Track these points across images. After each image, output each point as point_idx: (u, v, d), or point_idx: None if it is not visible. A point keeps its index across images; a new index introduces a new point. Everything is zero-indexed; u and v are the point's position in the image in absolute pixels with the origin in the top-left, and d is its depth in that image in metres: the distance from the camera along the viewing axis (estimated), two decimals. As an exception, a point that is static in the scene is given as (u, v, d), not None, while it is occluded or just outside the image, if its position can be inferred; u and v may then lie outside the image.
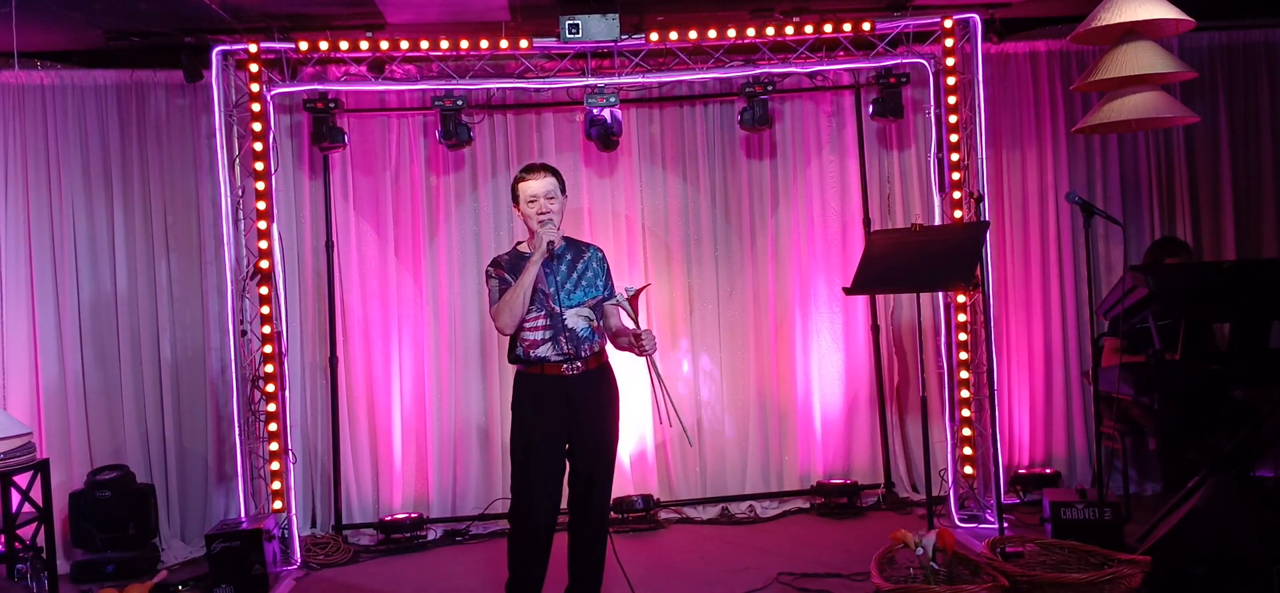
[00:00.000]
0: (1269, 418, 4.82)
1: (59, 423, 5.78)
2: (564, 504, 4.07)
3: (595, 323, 4.02)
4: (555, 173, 4.06)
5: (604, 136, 5.74)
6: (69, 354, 5.79)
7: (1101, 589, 3.85)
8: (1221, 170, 6.34)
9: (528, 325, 3.94)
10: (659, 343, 6.09)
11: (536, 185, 3.97)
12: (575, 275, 4.02)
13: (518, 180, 4.04)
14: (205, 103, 5.81)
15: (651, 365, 4.03)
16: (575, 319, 3.96)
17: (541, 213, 3.94)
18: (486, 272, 4.10)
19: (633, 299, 4.01)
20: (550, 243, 3.90)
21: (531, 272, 3.88)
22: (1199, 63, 6.13)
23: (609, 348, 4.16)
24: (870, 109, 5.88)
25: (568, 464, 4.05)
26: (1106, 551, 4.10)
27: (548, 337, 3.93)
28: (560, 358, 3.93)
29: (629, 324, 4.01)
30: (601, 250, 4.18)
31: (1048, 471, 6.10)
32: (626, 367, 6.07)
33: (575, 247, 4.12)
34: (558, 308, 3.94)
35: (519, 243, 4.17)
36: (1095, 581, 3.86)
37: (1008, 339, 6.26)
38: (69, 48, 5.76)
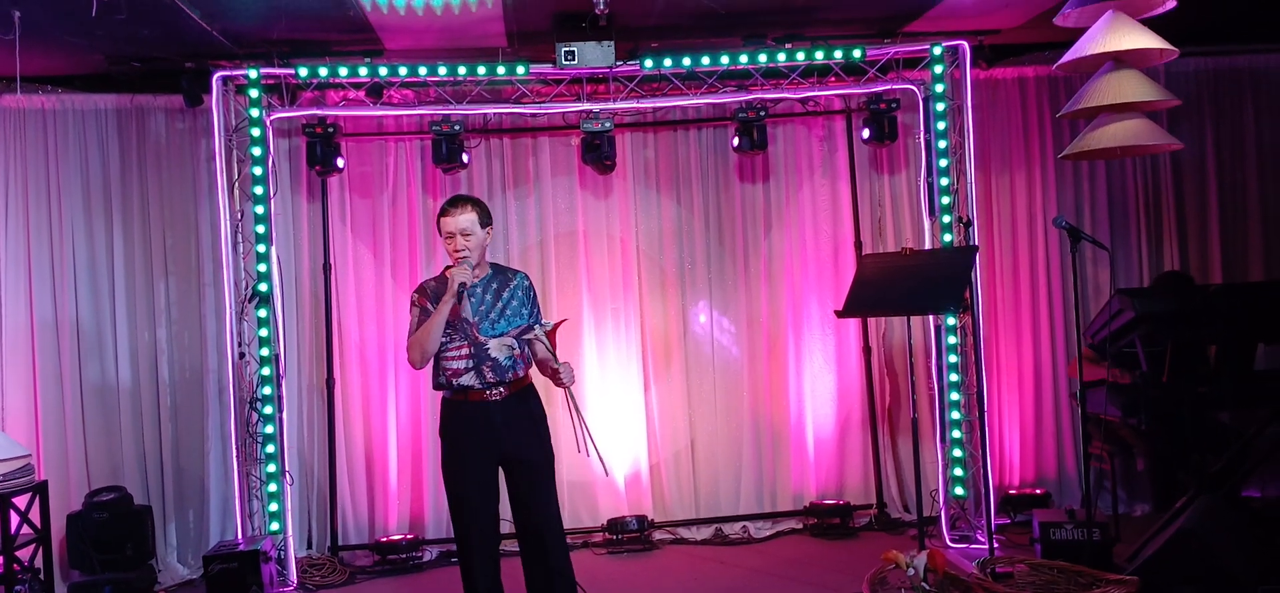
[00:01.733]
0: (1255, 439, 4.90)
1: (57, 444, 5.81)
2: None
3: (518, 351, 4.02)
4: (477, 205, 4.02)
5: (595, 154, 5.80)
6: (67, 376, 5.83)
7: (1089, 609, 3.92)
8: (1208, 194, 6.44)
9: (451, 353, 3.94)
10: (652, 364, 6.20)
11: (452, 222, 3.94)
12: (500, 305, 4.02)
13: (441, 213, 4.02)
14: (204, 127, 5.88)
15: (568, 397, 4.06)
16: (498, 349, 3.96)
17: (456, 251, 3.94)
18: (412, 297, 4.08)
19: (551, 334, 4.05)
20: (461, 284, 3.90)
21: (443, 312, 3.88)
22: (1185, 88, 6.24)
23: (534, 372, 4.15)
24: (865, 134, 5.96)
25: (505, 487, 4.06)
26: (1095, 570, 4.16)
27: (470, 365, 3.93)
28: (483, 386, 3.94)
29: (547, 357, 4.03)
30: (528, 278, 4.17)
31: (1038, 491, 6.17)
32: (615, 385, 6.17)
33: (501, 274, 4.11)
34: (481, 338, 3.95)
35: (447, 267, 4.07)
36: (1083, 601, 3.92)
37: (998, 361, 6.34)
38: (70, 72, 5.82)
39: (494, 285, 4.04)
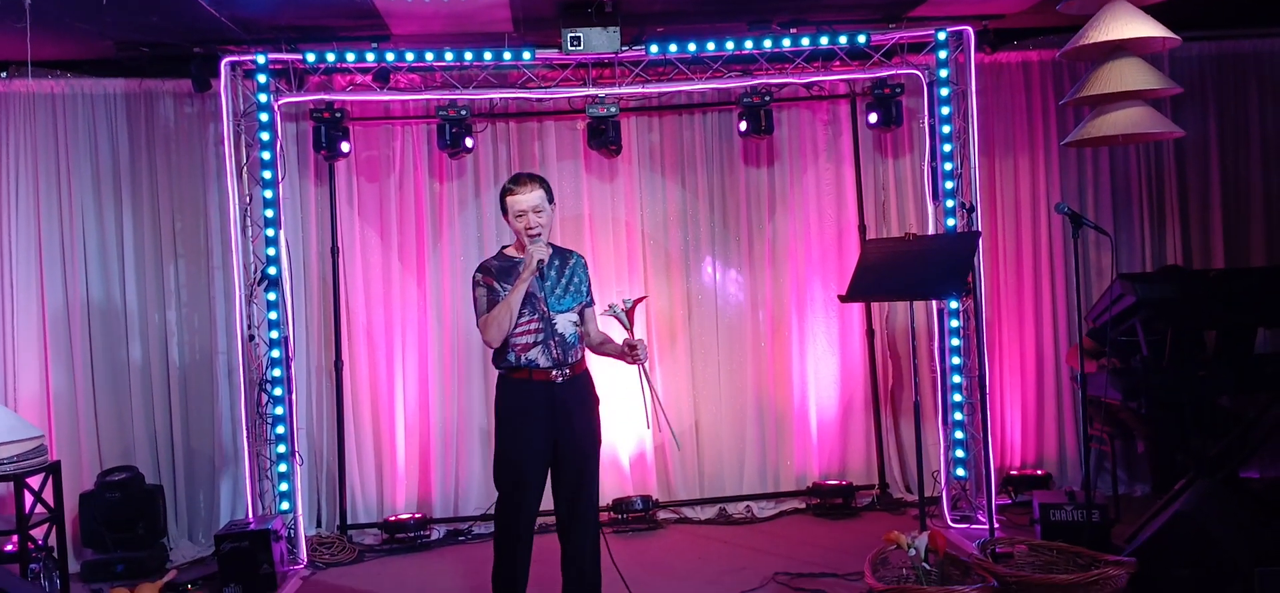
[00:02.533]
0: (1254, 423, 4.95)
1: (69, 425, 5.88)
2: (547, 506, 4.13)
3: (579, 328, 4.11)
4: (543, 183, 4.04)
5: (600, 138, 5.84)
6: (79, 358, 5.90)
7: (1088, 590, 3.97)
8: (1211, 180, 6.46)
9: (520, 329, 3.97)
10: (658, 347, 6.26)
11: (525, 199, 3.96)
12: (564, 281, 4.09)
13: (505, 192, 4.03)
14: (213, 112, 5.92)
15: (643, 374, 4.12)
16: (564, 325, 4.03)
17: (530, 228, 3.95)
18: (474, 277, 4.09)
19: (629, 311, 4.10)
20: (540, 260, 3.93)
21: (521, 290, 3.90)
22: (1188, 73, 6.26)
23: (589, 356, 4.22)
24: (872, 118, 5.97)
25: (551, 470, 4.10)
26: (1093, 552, 4.21)
27: (539, 341, 3.98)
28: (549, 363, 3.98)
29: (624, 334, 4.09)
30: (583, 257, 4.24)
31: (1039, 472, 6.23)
32: (617, 371, 6.22)
33: (561, 253, 4.17)
34: (551, 313, 4.02)
35: (505, 247, 4.18)
36: (1082, 582, 3.97)
37: (1000, 344, 6.39)
38: (80, 57, 5.86)
39: (556, 262, 4.10)
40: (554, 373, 3.99)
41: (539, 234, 3.96)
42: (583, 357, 4.14)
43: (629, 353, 4.06)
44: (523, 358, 3.99)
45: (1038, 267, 6.39)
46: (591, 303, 4.19)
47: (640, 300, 4.21)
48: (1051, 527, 5.07)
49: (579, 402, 4.07)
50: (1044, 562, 4.33)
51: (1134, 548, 4.25)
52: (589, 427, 4.10)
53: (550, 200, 4.06)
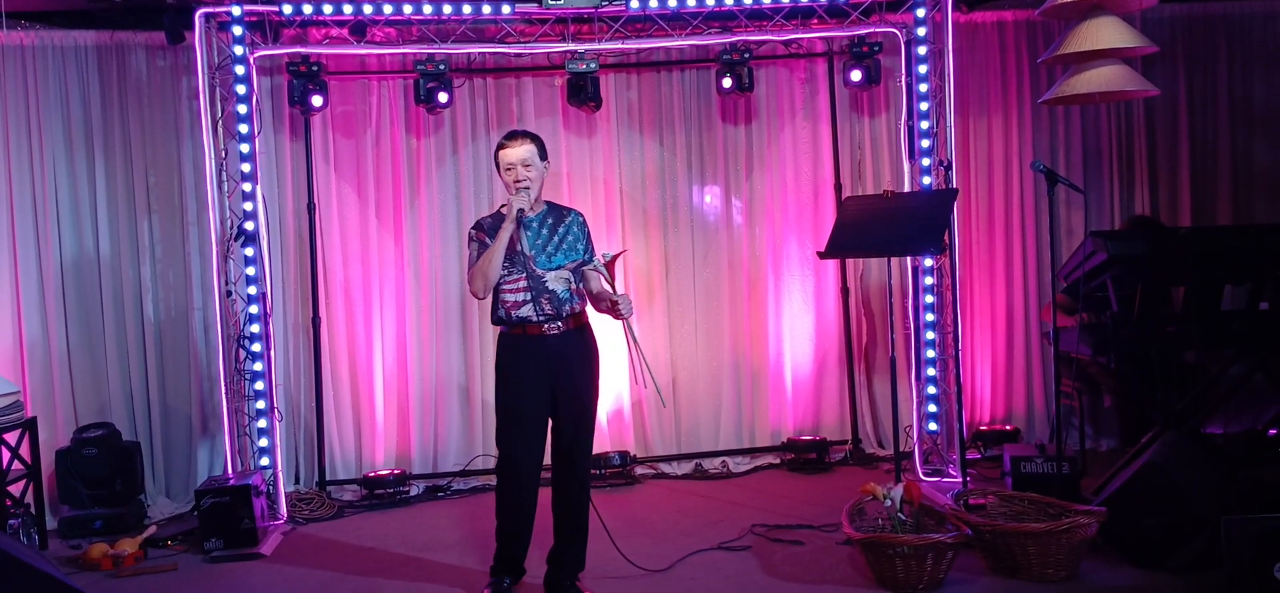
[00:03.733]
0: (1219, 378, 5.08)
1: (43, 382, 5.84)
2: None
3: (575, 285, 4.15)
4: (535, 139, 4.13)
5: (580, 95, 5.83)
6: (52, 314, 5.84)
7: (1059, 538, 4.09)
8: (1179, 140, 6.57)
9: (508, 287, 4.06)
10: (635, 305, 6.28)
11: (513, 153, 4.05)
12: (556, 239, 4.13)
13: (498, 148, 4.11)
14: (186, 64, 5.86)
15: (627, 328, 4.17)
16: (555, 282, 4.08)
17: (517, 180, 4.03)
18: (469, 233, 4.20)
19: (609, 264, 4.13)
20: (520, 210, 4.00)
21: (502, 238, 3.99)
22: (1160, 35, 6.32)
23: (589, 310, 4.28)
24: (855, 76, 5.98)
25: (550, 422, 4.19)
26: (1064, 502, 4.34)
27: (528, 298, 4.05)
28: (541, 319, 4.05)
29: (606, 288, 4.14)
30: (582, 215, 4.28)
31: (1008, 427, 6.36)
32: (603, 327, 6.25)
33: (557, 211, 4.22)
34: (538, 271, 4.06)
35: (501, 206, 4.24)
36: (1053, 530, 4.10)
37: (972, 301, 6.49)
38: (50, 8, 5.76)
39: (550, 221, 4.13)
40: (546, 327, 4.05)
41: (526, 187, 4.02)
42: (582, 311, 4.17)
43: (612, 308, 4.09)
44: (514, 314, 4.06)
45: (1010, 225, 6.49)
46: (588, 261, 4.20)
47: (620, 254, 4.26)
48: (1022, 479, 5.18)
49: (577, 354, 4.13)
50: (1016, 512, 4.45)
51: (1103, 498, 4.37)
52: (587, 379, 4.17)
53: (542, 157, 4.11)
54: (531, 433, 4.13)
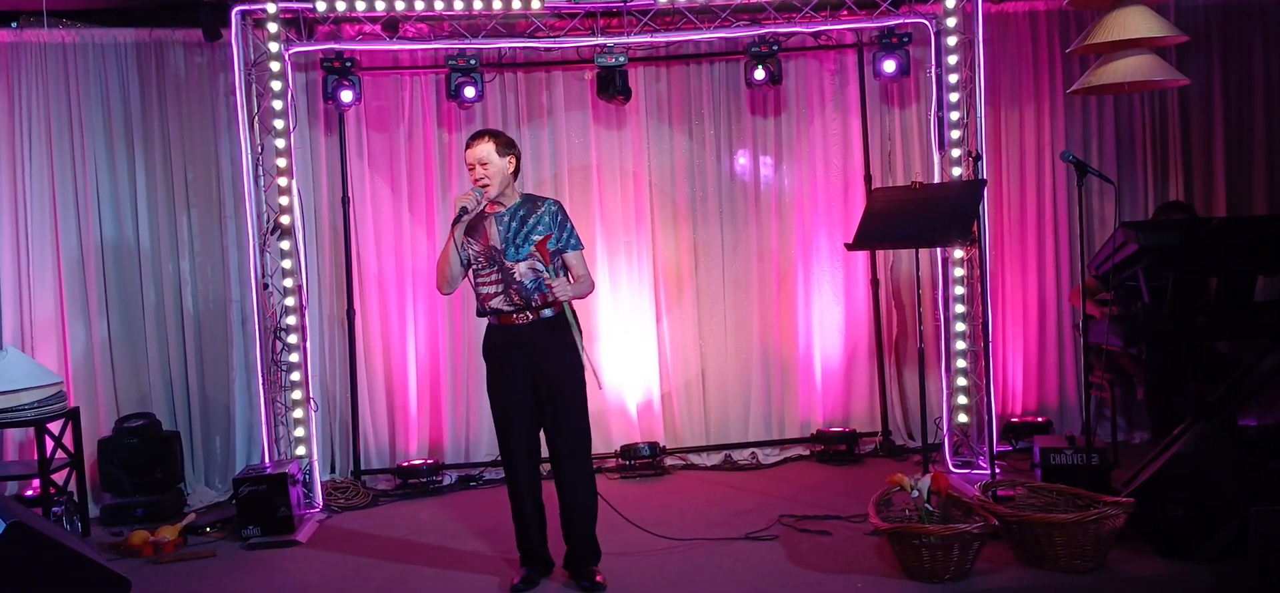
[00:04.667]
0: (1252, 369, 5.04)
1: (86, 373, 5.99)
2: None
3: (546, 277, 4.19)
4: (495, 135, 4.22)
5: (609, 88, 5.88)
6: (94, 307, 5.99)
7: (1086, 529, 4.09)
8: (1214, 129, 6.50)
9: (483, 279, 4.21)
10: (665, 296, 6.34)
11: (470, 154, 4.18)
12: (525, 231, 4.20)
13: (465, 148, 4.25)
14: (222, 61, 5.96)
15: (566, 308, 4.23)
16: (522, 272, 4.16)
17: (476, 180, 4.16)
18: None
19: (540, 246, 4.19)
20: (462, 208, 4.11)
21: (453, 237, 4.16)
22: (1194, 23, 6.27)
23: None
24: (889, 67, 5.96)
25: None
26: (1092, 494, 4.33)
27: (499, 290, 4.18)
28: (511, 308, 4.18)
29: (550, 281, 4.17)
30: (558, 203, 4.33)
31: (1039, 419, 6.33)
32: (627, 316, 6.31)
33: (530, 202, 4.28)
34: (508, 263, 4.16)
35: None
36: (1080, 521, 4.10)
37: (1003, 293, 6.47)
38: (90, 6, 5.89)
39: (520, 213, 4.21)
40: (517, 317, 4.18)
41: (485, 183, 4.15)
42: (555, 298, 4.21)
43: (550, 292, 4.15)
44: (487, 306, 4.23)
45: (1041, 215, 6.46)
46: (567, 248, 4.26)
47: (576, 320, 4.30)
48: (1051, 470, 5.15)
49: (546, 341, 4.21)
50: (1044, 503, 4.45)
51: (1132, 489, 4.36)
52: (559, 361, 4.22)
53: (501, 154, 4.19)
54: (518, 421, 4.26)
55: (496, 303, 4.19)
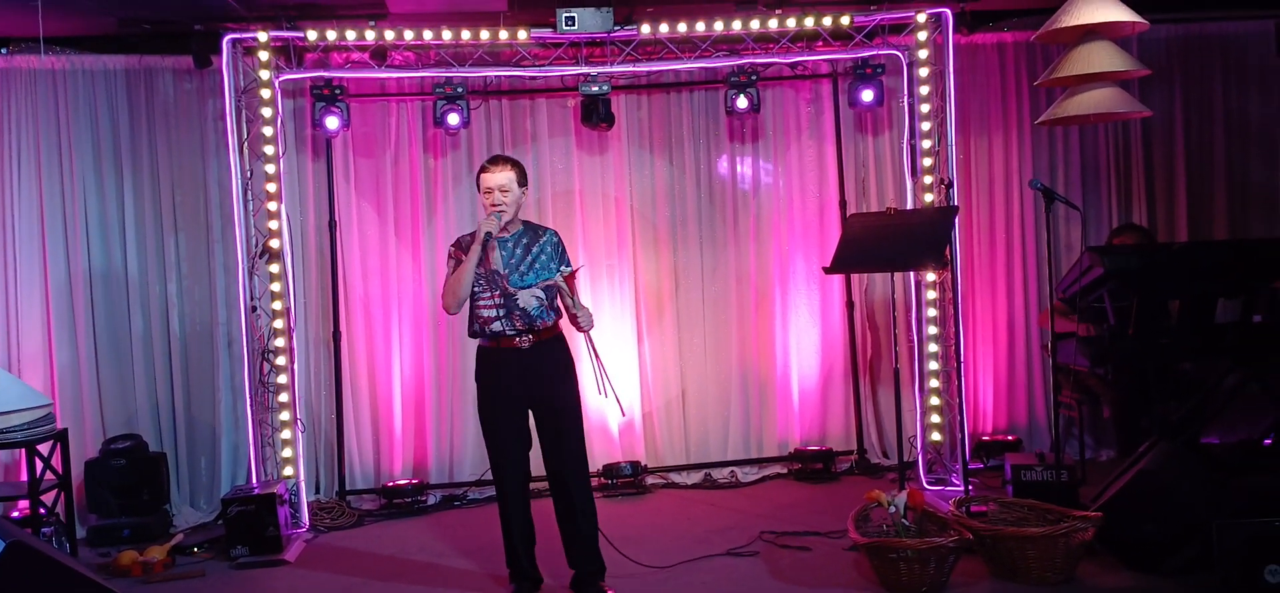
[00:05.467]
0: (1214, 390, 5.23)
1: (72, 394, 6.03)
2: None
3: (547, 302, 4.32)
4: (516, 165, 4.32)
5: (593, 116, 6.02)
6: (82, 330, 6.04)
7: (1057, 542, 4.25)
8: (1175, 157, 6.73)
9: (483, 303, 4.27)
10: (646, 319, 6.47)
11: (493, 178, 4.25)
12: (529, 258, 4.31)
13: (481, 170, 4.32)
14: (211, 88, 6.06)
15: (588, 342, 4.35)
16: (527, 299, 4.26)
17: (493, 204, 4.24)
18: (449, 251, 4.41)
19: (568, 279, 4.34)
20: (488, 233, 4.20)
21: (471, 259, 4.21)
22: (1156, 55, 6.50)
23: (565, 323, 4.45)
24: (867, 96, 6.15)
25: (535, 431, 4.38)
26: (1062, 508, 4.49)
27: (501, 314, 4.25)
28: (513, 332, 4.25)
29: (567, 303, 4.33)
30: (557, 234, 4.45)
31: (1009, 438, 6.51)
32: (610, 338, 6.43)
33: (532, 231, 4.39)
34: (511, 289, 4.25)
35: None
36: (1051, 534, 4.25)
37: (974, 315, 6.65)
38: (82, 33, 5.97)
39: (524, 240, 4.31)
40: (518, 340, 4.26)
41: (500, 210, 4.22)
42: (555, 324, 4.35)
43: (574, 321, 4.29)
44: (487, 330, 4.27)
45: (1010, 241, 6.66)
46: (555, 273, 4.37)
47: (577, 270, 4.46)
48: (1023, 486, 5.30)
49: (550, 364, 4.31)
50: (1016, 517, 4.61)
51: (1100, 504, 4.52)
52: (562, 387, 4.33)
53: (521, 183, 4.30)
54: (510, 442, 4.33)
55: (496, 326, 4.25)
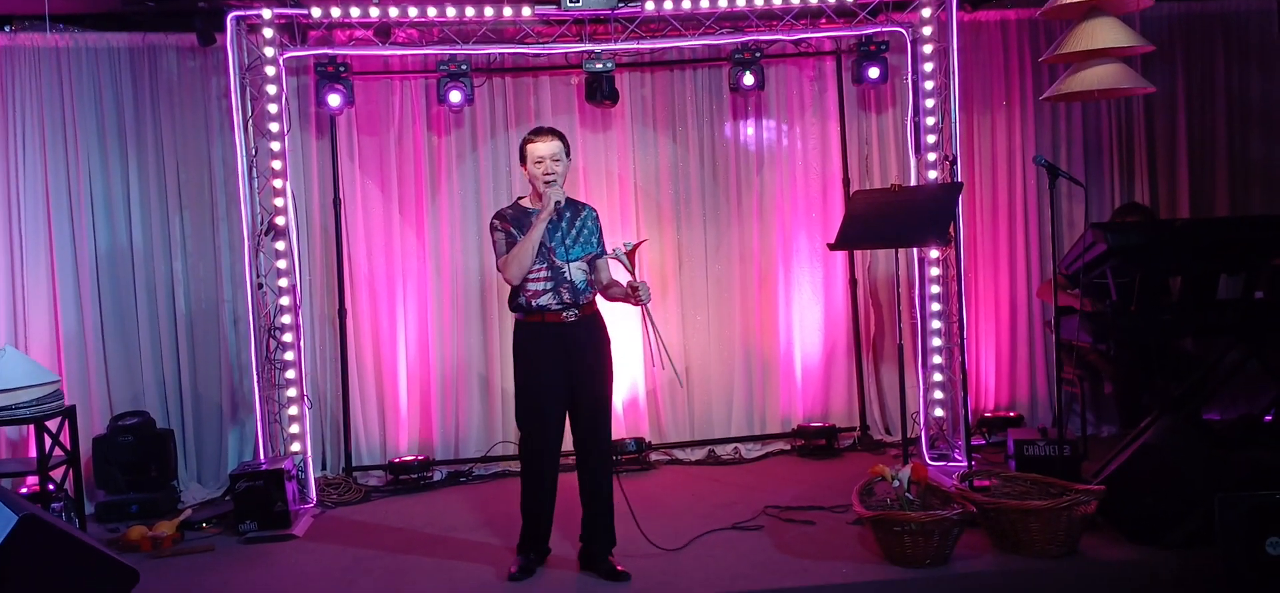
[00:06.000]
0: (1215, 366, 5.26)
1: (79, 372, 6.06)
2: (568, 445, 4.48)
3: (590, 276, 4.38)
4: (561, 137, 4.37)
5: (597, 93, 6.04)
6: (88, 307, 6.06)
7: (1059, 516, 4.29)
8: (1178, 135, 6.75)
9: (531, 277, 4.29)
10: (653, 297, 6.48)
11: (544, 147, 4.29)
12: (574, 232, 4.37)
13: (526, 141, 4.35)
14: (215, 66, 6.06)
15: (646, 314, 4.39)
16: (574, 272, 4.31)
17: (547, 174, 4.26)
18: (491, 224, 4.42)
19: (630, 253, 4.37)
20: (557, 201, 4.24)
21: (540, 228, 4.22)
22: (1158, 34, 6.51)
23: (599, 299, 4.51)
24: (873, 73, 6.17)
25: (569, 407, 4.41)
26: (1065, 482, 4.53)
27: (549, 287, 4.29)
28: (559, 306, 4.29)
29: (627, 276, 4.36)
30: (595, 210, 4.52)
31: (1012, 414, 6.54)
32: (616, 315, 6.45)
33: (574, 205, 4.45)
34: (558, 262, 4.29)
35: (520, 198, 4.49)
36: (1054, 507, 4.30)
37: (976, 292, 6.68)
38: (85, 11, 5.97)
39: (567, 214, 4.36)
40: (565, 314, 4.29)
41: (553, 180, 4.24)
42: (593, 299, 4.41)
43: (632, 294, 4.31)
44: (534, 303, 4.28)
45: (1013, 218, 6.68)
46: (602, 253, 4.48)
47: (640, 243, 4.51)
48: (1025, 461, 5.37)
49: (591, 340, 4.36)
50: (1018, 491, 4.65)
51: (1102, 478, 4.56)
52: (601, 364, 4.40)
53: (568, 154, 4.35)
54: (550, 416, 4.36)
55: (544, 300, 4.28)
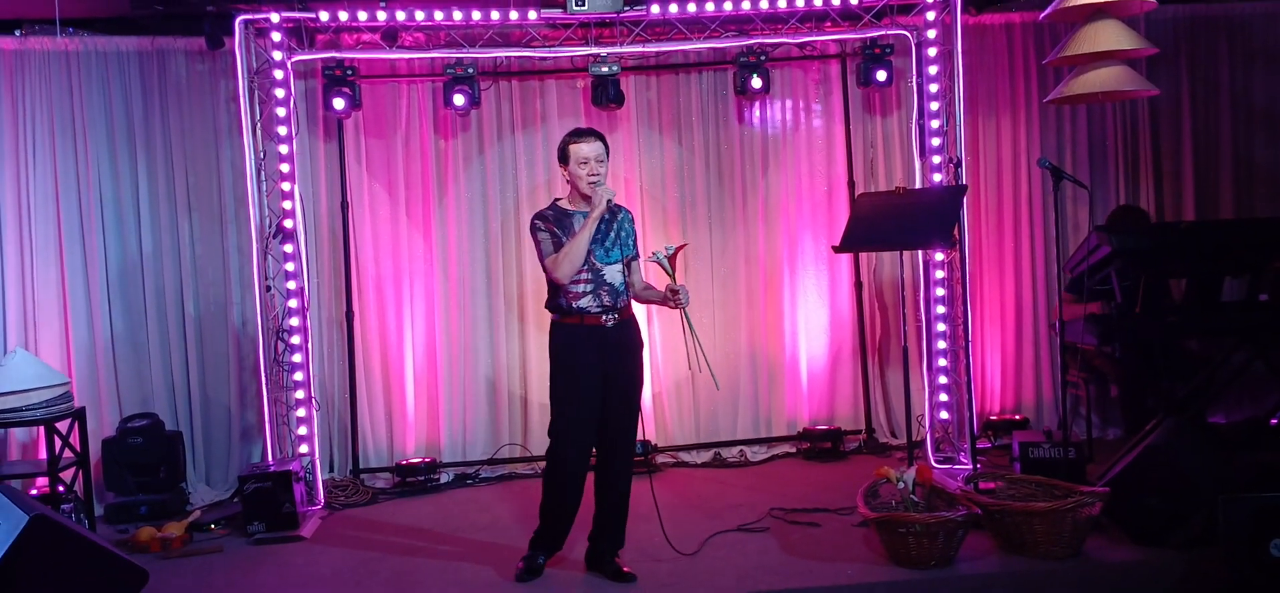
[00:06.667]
0: (1220, 367, 5.28)
1: (88, 374, 6.09)
2: None
3: (627, 278, 4.42)
4: (603, 138, 4.40)
5: (602, 97, 6.07)
6: (97, 310, 6.10)
7: (1064, 517, 4.30)
8: (1182, 137, 6.76)
9: (572, 279, 4.30)
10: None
11: (588, 148, 4.31)
12: (613, 235, 4.40)
13: (569, 142, 4.37)
14: (223, 69, 6.10)
15: (685, 318, 4.43)
16: (612, 275, 4.35)
17: (592, 175, 4.29)
18: (533, 224, 4.41)
19: (671, 257, 4.44)
20: (609, 199, 4.27)
21: (591, 226, 4.25)
22: (1162, 36, 6.52)
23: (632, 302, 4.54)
24: (880, 76, 6.19)
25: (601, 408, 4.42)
26: (1069, 484, 4.54)
27: (589, 289, 4.31)
28: (599, 309, 4.32)
29: (667, 280, 4.42)
30: (631, 214, 4.56)
31: (1017, 417, 6.55)
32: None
33: (611, 209, 4.44)
34: (598, 263, 4.32)
35: (557, 199, 4.51)
36: (1058, 509, 4.31)
37: (982, 295, 6.69)
38: (95, 15, 6.01)
39: (606, 217, 4.36)
40: (604, 318, 4.31)
41: (599, 178, 4.29)
42: (629, 302, 4.45)
43: (672, 298, 4.37)
44: (574, 305, 4.31)
45: (1018, 220, 6.69)
46: (637, 256, 4.52)
47: (681, 248, 4.54)
48: (1030, 463, 5.38)
49: (627, 344, 4.41)
50: (1023, 493, 4.66)
51: (1107, 480, 4.57)
52: (636, 368, 4.45)
53: (609, 156, 4.39)
54: (585, 419, 4.37)
55: (584, 302, 4.29)
